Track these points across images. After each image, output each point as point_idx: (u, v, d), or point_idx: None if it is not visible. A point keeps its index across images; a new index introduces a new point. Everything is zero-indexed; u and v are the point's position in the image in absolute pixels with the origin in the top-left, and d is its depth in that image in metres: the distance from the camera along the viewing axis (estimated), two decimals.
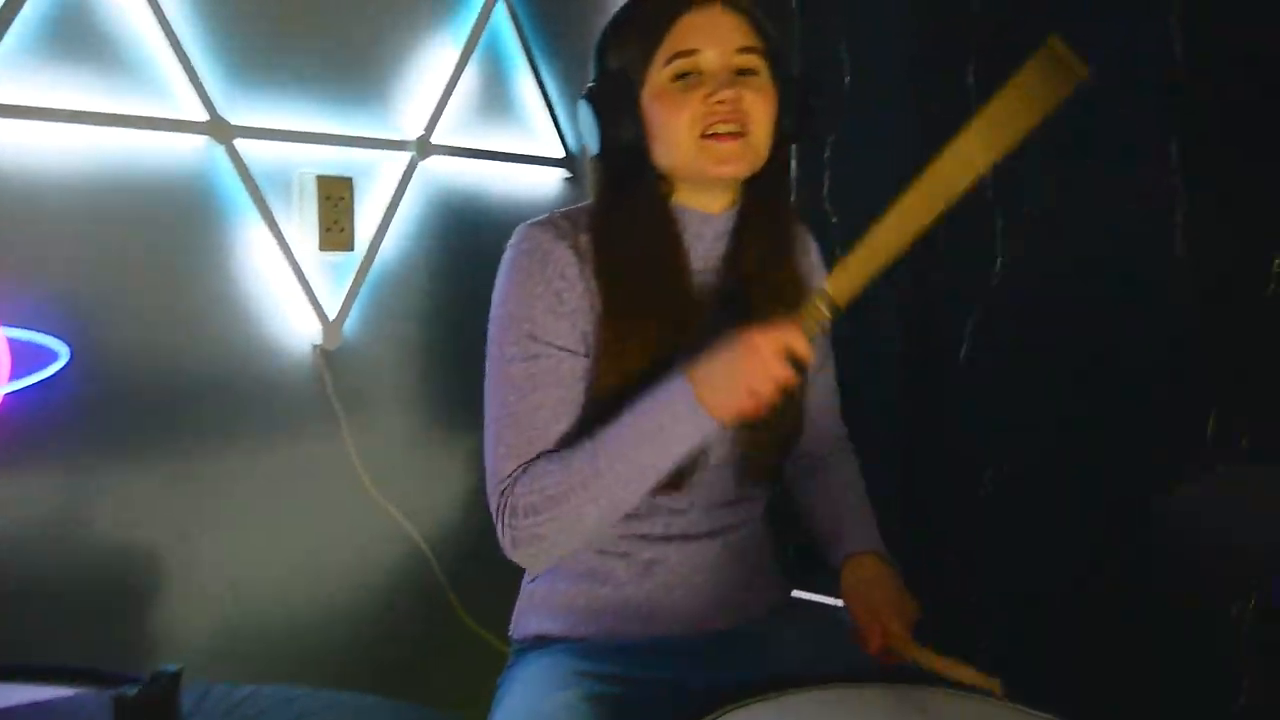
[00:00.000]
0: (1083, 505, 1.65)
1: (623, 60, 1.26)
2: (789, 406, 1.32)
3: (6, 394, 1.39)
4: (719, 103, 1.21)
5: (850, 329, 1.63)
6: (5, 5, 1.38)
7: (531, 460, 1.23)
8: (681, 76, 1.23)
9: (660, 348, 1.25)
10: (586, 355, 1.26)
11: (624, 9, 1.30)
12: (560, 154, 2.10)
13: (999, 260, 1.76)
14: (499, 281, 1.29)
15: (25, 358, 1.42)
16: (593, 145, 1.29)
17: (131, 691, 0.84)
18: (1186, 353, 1.57)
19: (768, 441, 1.34)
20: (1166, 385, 1.57)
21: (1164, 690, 1.53)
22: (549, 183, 2.11)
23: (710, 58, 1.23)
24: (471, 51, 1.92)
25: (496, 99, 2.00)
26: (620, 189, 1.30)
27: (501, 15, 1.97)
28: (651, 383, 1.19)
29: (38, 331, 1.44)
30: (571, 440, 1.23)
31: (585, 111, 1.28)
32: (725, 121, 1.21)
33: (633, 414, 1.17)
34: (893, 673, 1.21)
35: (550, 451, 1.23)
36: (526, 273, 1.26)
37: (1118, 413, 1.63)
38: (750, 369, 1.10)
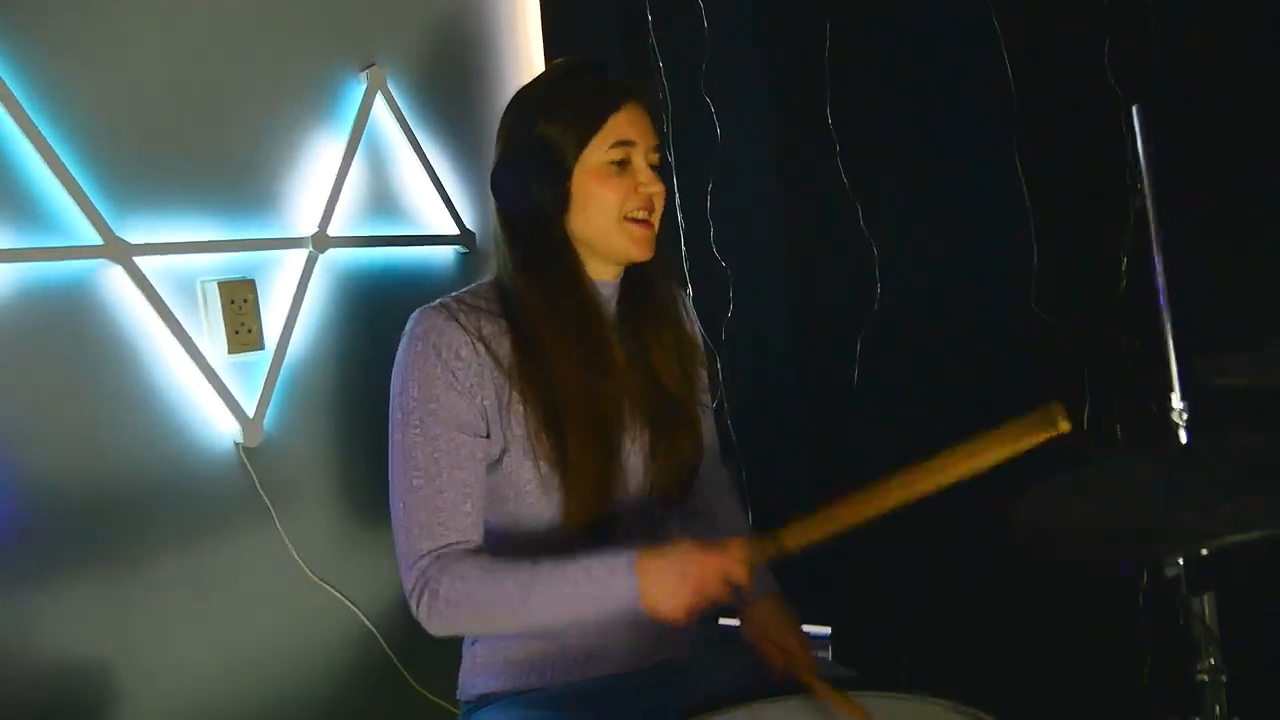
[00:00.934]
0: (969, 503, 1.76)
1: (554, 136, 1.36)
2: (680, 433, 1.43)
3: None
4: (646, 195, 1.35)
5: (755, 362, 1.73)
6: None
7: (451, 547, 1.31)
8: (618, 162, 1.34)
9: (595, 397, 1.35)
10: (486, 435, 1.34)
11: (549, 90, 1.40)
12: (455, 231, 2.18)
13: (878, 288, 1.88)
14: (397, 367, 1.37)
15: None
16: (514, 208, 1.38)
17: None
18: (1055, 353, 1.70)
19: (680, 457, 1.45)
20: (1040, 386, 1.70)
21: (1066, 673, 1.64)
22: (446, 260, 2.19)
23: (640, 151, 1.36)
24: (357, 143, 2.00)
25: (386, 186, 2.08)
26: (536, 258, 1.39)
27: (381, 106, 2.05)
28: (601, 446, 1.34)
29: None
30: (476, 521, 1.32)
31: (508, 177, 1.37)
32: (644, 209, 1.35)
33: (576, 571, 1.26)
34: (797, 689, 1.32)
35: (476, 552, 1.31)
36: (423, 356, 1.34)
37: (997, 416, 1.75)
38: (695, 585, 1.23)
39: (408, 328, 1.38)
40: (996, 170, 1.73)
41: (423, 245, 2.13)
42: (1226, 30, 1.54)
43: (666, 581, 1.23)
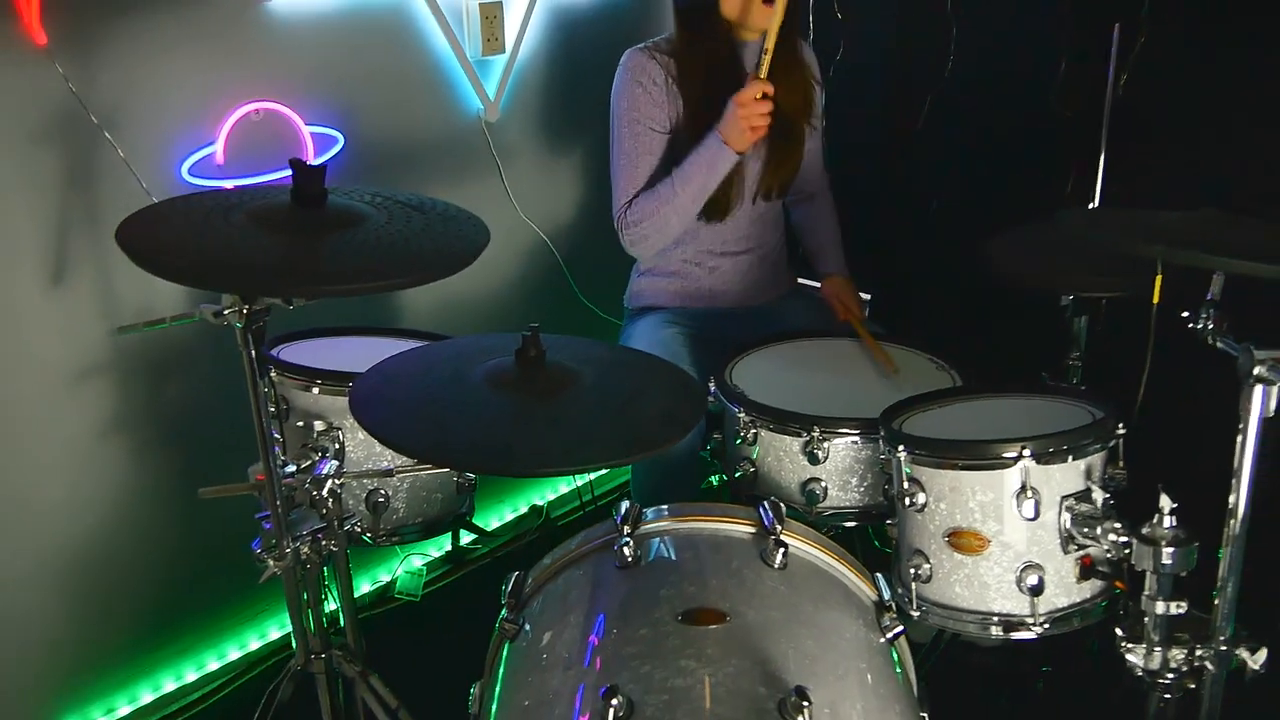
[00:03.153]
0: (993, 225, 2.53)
1: None
2: (789, 148, 2.20)
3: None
4: None
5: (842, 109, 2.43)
6: None
7: (636, 193, 2.13)
8: None
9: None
10: (670, 131, 2.13)
11: None
12: None
13: (950, 61, 2.55)
14: (616, 88, 2.18)
15: (319, 143, 2.28)
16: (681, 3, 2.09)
17: None
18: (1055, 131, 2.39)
19: (780, 174, 2.22)
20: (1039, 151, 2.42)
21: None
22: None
23: None
24: None
25: None
26: (694, 26, 2.11)
27: None
28: None
29: (324, 125, 2.29)
30: (658, 180, 2.12)
31: None
32: None
33: (692, 157, 2.08)
34: (848, 331, 2.17)
35: (645, 188, 2.12)
36: (634, 82, 2.13)
37: (1014, 171, 2.49)
38: (744, 114, 1.97)
39: (622, 61, 2.18)
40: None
41: None
42: None
43: (730, 126, 2.00)
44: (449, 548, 2.77)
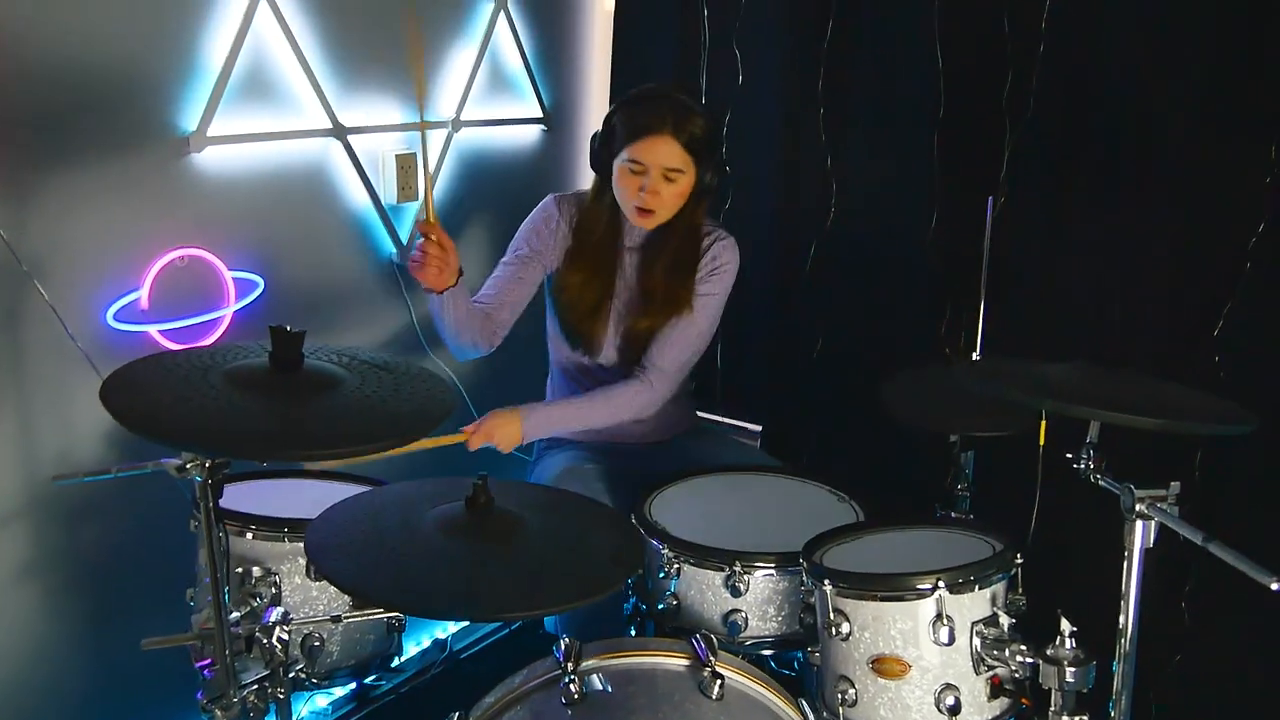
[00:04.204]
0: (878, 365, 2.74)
1: (614, 127, 2.21)
2: (649, 313, 2.30)
3: (234, 311, 2.31)
4: (646, 195, 2.18)
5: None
6: (219, 79, 2.21)
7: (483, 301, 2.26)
8: (632, 170, 2.18)
9: (588, 286, 2.30)
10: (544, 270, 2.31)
11: (635, 93, 2.25)
12: (539, 114, 3.00)
13: (831, 213, 2.79)
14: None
15: (240, 287, 2.33)
16: (594, 163, 2.28)
17: None
18: (936, 282, 2.63)
19: (629, 356, 2.36)
20: (919, 306, 2.65)
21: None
22: (533, 134, 3.02)
23: (655, 169, 2.17)
24: (484, 51, 2.78)
25: (498, 80, 2.88)
26: (596, 187, 2.30)
27: (503, 22, 2.83)
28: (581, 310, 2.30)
29: (245, 270, 2.35)
30: (492, 298, 2.27)
31: (593, 142, 2.24)
32: (646, 205, 2.20)
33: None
34: (756, 467, 2.31)
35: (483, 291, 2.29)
36: (533, 217, 2.33)
37: (896, 314, 2.72)
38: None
39: (540, 203, 2.32)
40: (919, 155, 2.62)
41: (521, 125, 2.96)
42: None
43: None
44: (354, 685, 2.74)
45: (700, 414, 2.88)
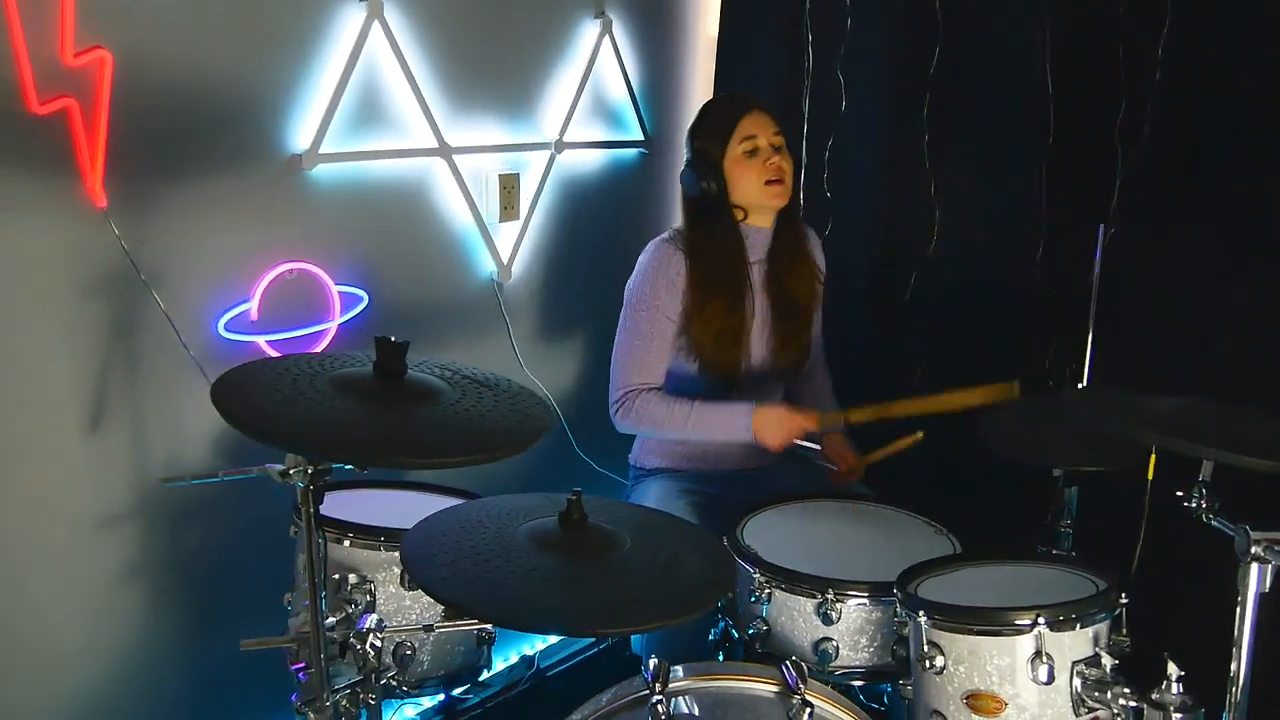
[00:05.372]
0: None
1: (707, 142, 2.22)
2: (797, 330, 2.35)
3: (339, 324, 2.37)
4: (774, 166, 2.19)
5: (832, 281, 2.60)
6: (332, 99, 2.28)
7: (653, 387, 2.27)
8: (749, 153, 2.19)
9: (733, 312, 2.25)
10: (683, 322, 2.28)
11: (703, 109, 2.29)
12: (640, 137, 3.02)
13: (934, 240, 2.75)
14: (637, 273, 2.31)
15: (345, 301, 2.39)
16: (691, 195, 2.26)
17: None
18: (1040, 310, 2.57)
19: (791, 355, 2.37)
20: (1024, 332, 2.59)
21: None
22: (632, 158, 3.04)
23: (763, 139, 2.20)
24: (589, 73, 2.82)
25: (601, 104, 2.91)
26: (705, 217, 2.28)
27: (606, 45, 2.86)
28: (726, 334, 2.24)
29: (350, 285, 2.41)
30: (663, 372, 2.30)
31: (688, 177, 2.24)
32: (774, 175, 2.21)
33: (719, 408, 2.22)
34: (844, 493, 2.27)
35: (664, 390, 2.28)
36: (658, 273, 2.26)
37: (996, 344, 2.66)
38: (782, 429, 2.17)
39: (649, 250, 2.33)
40: (1026, 183, 2.57)
41: (621, 147, 2.99)
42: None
43: (769, 423, 2.17)
44: (442, 697, 2.77)
45: (801, 442, 2.86)
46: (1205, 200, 2.30)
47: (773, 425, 2.19)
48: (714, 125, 2.26)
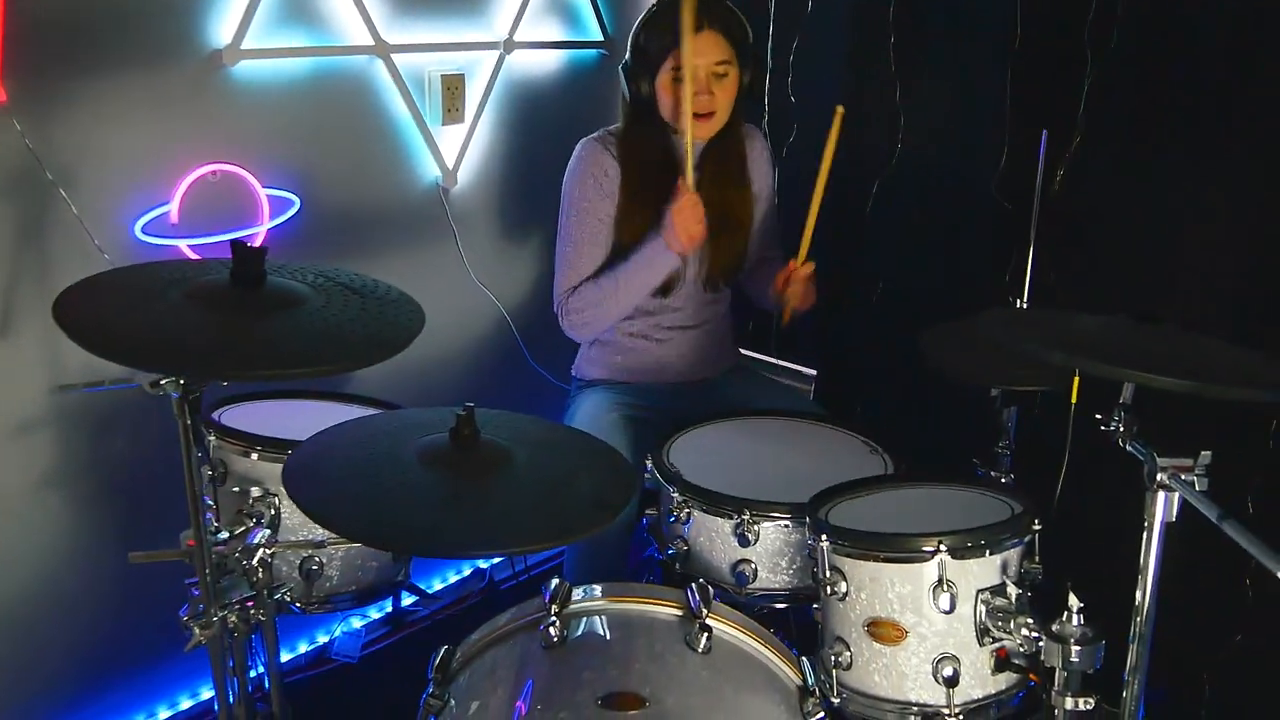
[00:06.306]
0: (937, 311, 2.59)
1: (648, 47, 2.10)
2: (730, 240, 2.25)
3: (268, 229, 2.29)
4: (703, 100, 2.09)
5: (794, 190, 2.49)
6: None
7: (581, 281, 2.17)
8: (678, 80, 2.07)
9: (658, 221, 2.16)
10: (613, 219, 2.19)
11: (656, 7, 2.13)
12: (600, 37, 2.89)
13: (898, 149, 2.63)
14: (569, 175, 2.22)
15: (275, 205, 2.31)
16: (629, 94, 2.15)
17: None
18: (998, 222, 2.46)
19: (722, 264, 2.28)
20: (986, 248, 2.49)
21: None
22: (590, 59, 2.91)
23: (702, 66, 2.07)
24: None
25: (556, 2, 2.78)
26: (640, 122, 2.17)
27: None
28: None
29: (280, 189, 2.32)
30: (601, 269, 2.18)
31: (627, 71, 2.13)
32: (704, 109, 2.09)
33: (635, 255, 2.14)
34: (793, 411, 2.20)
35: (590, 277, 2.16)
36: (587, 173, 2.18)
37: (959, 257, 2.56)
38: (679, 222, 2.04)
39: (577, 150, 2.21)
40: (992, 94, 2.43)
41: (579, 48, 2.86)
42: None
43: (670, 231, 2.06)
44: (390, 609, 2.76)
45: (754, 355, 2.80)
46: (1177, 111, 2.17)
47: (669, 226, 2.07)
48: (654, 39, 2.12)
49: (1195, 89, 2.13)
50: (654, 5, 2.16)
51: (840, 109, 2.08)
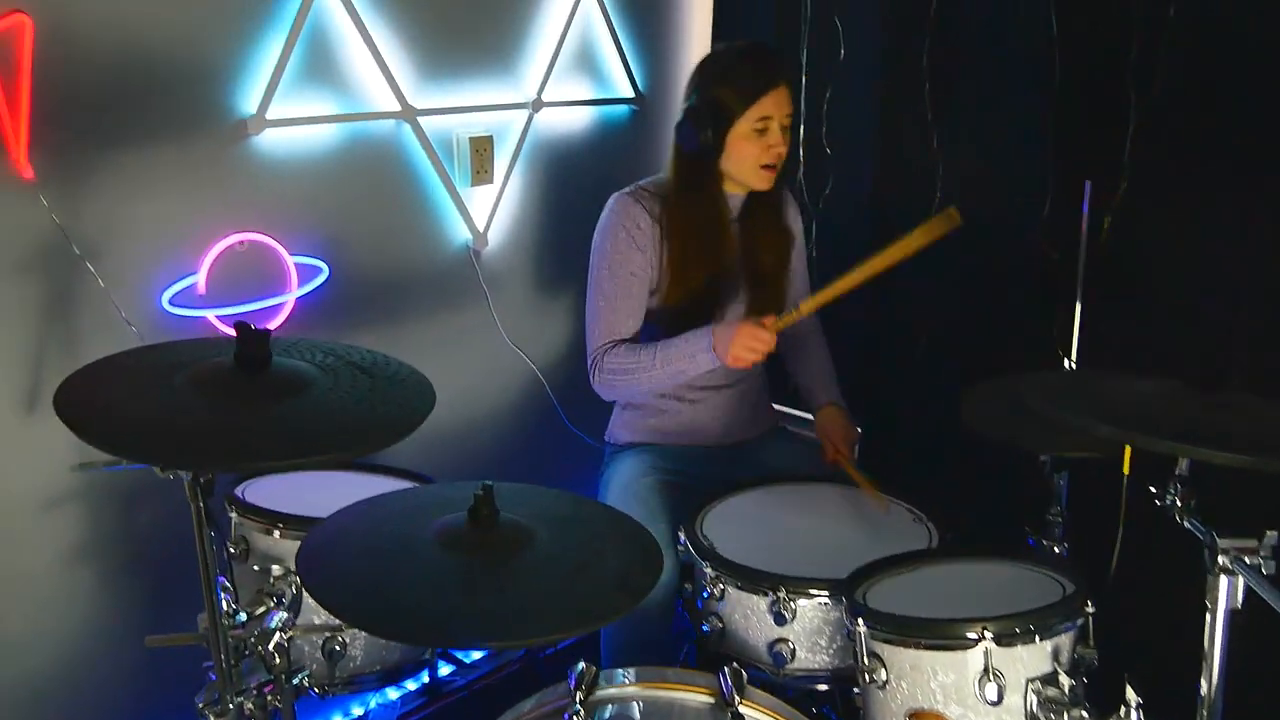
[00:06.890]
0: (982, 366, 2.49)
1: (722, 98, 2.05)
2: (768, 298, 2.20)
3: (296, 298, 2.27)
4: (776, 152, 2.07)
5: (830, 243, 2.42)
6: (279, 59, 2.15)
7: (617, 340, 2.11)
8: (760, 132, 2.03)
9: (711, 281, 2.11)
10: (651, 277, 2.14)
11: (726, 59, 2.13)
12: (630, 94, 2.86)
13: (938, 198, 2.55)
14: (601, 229, 2.17)
15: (303, 273, 2.28)
16: (685, 147, 2.10)
17: None
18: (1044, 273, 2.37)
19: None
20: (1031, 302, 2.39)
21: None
22: (621, 116, 2.88)
23: (776, 120, 2.07)
24: (567, 31, 2.66)
25: (585, 60, 2.75)
26: (690, 183, 2.13)
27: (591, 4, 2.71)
28: (702, 299, 2.10)
29: (308, 256, 2.30)
30: (637, 330, 2.15)
31: (686, 126, 2.08)
32: (772, 161, 2.08)
33: (680, 340, 2.06)
34: (834, 476, 2.12)
35: (629, 341, 2.11)
36: (619, 226, 2.13)
37: (1003, 310, 2.47)
38: (742, 345, 1.96)
39: (609, 205, 2.17)
40: (1033, 139, 2.35)
41: (609, 105, 2.83)
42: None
43: (727, 336, 1.99)
44: (427, 679, 2.70)
45: (794, 411, 2.72)
46: (1228, 154, 2.07)
47: (732, 337, 2.00)
48: (732, 91, 2.07)
49: (1246, 130, 2.04)
50: (716, 56, 2.17)
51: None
